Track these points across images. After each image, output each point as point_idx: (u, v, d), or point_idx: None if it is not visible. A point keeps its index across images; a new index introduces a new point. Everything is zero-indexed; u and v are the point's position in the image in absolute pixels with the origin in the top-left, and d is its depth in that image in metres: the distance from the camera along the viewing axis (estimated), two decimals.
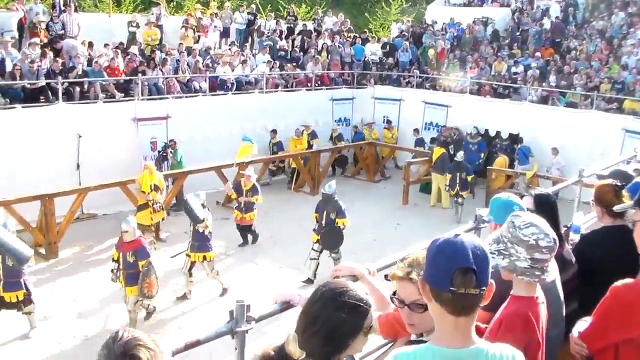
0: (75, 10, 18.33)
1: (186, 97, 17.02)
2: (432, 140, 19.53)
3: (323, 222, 11.65)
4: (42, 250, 12.70)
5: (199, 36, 20.07)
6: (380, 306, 3.04)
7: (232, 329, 2.94)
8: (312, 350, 2.19)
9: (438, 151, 17.25)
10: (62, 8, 17.75)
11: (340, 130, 20.30)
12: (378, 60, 22.76)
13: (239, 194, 13.33)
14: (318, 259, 11.84)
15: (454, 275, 1.95)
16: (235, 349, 2.98)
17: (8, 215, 11.88)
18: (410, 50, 22.71)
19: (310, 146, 18.47)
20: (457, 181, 15.98)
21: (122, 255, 9.54)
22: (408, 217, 16.09)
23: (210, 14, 21.56)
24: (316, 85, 20.56)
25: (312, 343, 2.18)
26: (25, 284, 9.26)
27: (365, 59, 22.63)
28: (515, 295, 2.71)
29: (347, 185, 18.20)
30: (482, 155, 18.79)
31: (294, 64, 20.69)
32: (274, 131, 18.17)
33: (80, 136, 14.56)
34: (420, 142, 19.83)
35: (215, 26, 20.85)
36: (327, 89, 20.77)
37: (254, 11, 23.20)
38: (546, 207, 3.65)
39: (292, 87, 20.13)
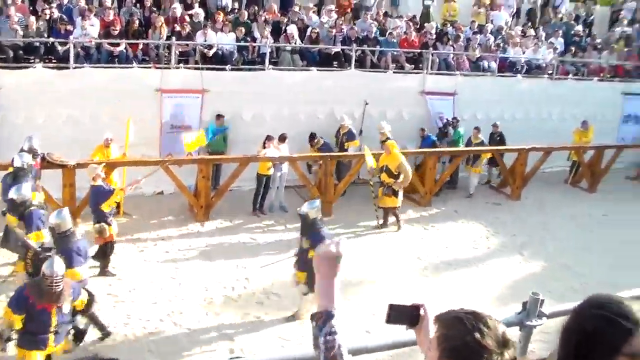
0: None
1: (474, 75, 16.74)
2: None
3: None
4: None
5: (491, 14, 19.48)
6: None
7: (522, 321, 2.91)
8: None
9: None
10: None
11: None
12: None
13: None
14: None
15: None
16: (519, 342, 2.93)
17: (291, 168, 12.89)
18: None
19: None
20: None
21: None
22: None
23: None
24: (609, 76, 19.06)
25: (561, 355, 1.90)
26: None
27: None
28: None
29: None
30: None
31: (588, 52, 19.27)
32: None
33: (366, 103, 14.96)
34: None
35: (509, 5, 20.13)
36: (619, 81, 19.18)
37: None
38: None
39: (583, 75, 18.82)
